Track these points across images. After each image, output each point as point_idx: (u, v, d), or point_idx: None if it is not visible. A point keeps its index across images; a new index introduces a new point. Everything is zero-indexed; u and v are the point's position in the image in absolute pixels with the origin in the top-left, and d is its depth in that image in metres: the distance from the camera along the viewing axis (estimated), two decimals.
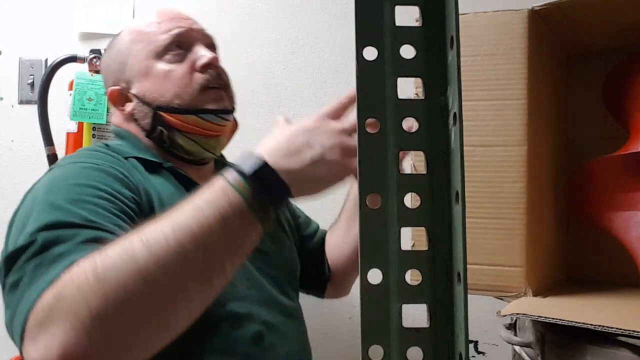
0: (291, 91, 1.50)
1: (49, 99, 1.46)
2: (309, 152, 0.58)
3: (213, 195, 0.56)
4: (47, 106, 1.46)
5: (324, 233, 1.05)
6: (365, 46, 0.32)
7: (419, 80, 0.33)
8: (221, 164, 0.94)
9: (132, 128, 0.86)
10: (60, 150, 1.47)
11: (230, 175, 0.57)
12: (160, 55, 0.84)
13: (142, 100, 0.84)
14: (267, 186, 0.57)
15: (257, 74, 1.46)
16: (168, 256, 0.52)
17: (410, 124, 0.33)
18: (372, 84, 0.32)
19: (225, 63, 1.46)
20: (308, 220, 1.07)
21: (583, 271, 0.82)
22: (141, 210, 0.70)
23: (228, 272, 0.57)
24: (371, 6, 0.32)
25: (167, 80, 0.83)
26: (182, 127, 0.83)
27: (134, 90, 0.85)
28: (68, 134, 1.47)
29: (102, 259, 0.52)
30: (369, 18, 0.32)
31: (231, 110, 0.87)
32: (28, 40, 1.61)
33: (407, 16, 0.36)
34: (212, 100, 0.84)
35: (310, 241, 1.03)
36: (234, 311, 0.75)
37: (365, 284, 0.31)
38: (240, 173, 0.57)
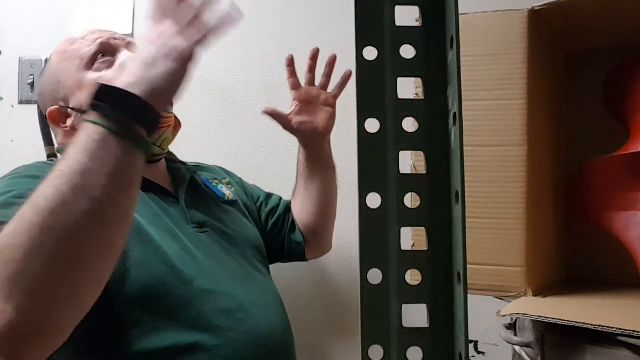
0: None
1: None
2: (143, 61, 0.60)
3: (78, 138, 0.56)
4: None
5: (289, 202, 1.12)
6: (365, 46, 0.32)
7: (419, 80, 0.33)
8: (172, 161, 0.99)
9: None
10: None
11: (88, 114, 0.58)
12: (89, 65, 0.86)
13: (81, 111, 0.86)
14: (115, 102, 0.57)
15: (256, 74, 1.46)
16: (52, 205, 0.53)
17: None
18: (372, 84, 0.32)
19: (225, 63, 1.46)
20: (268, 196, 1.14)
21: (583, 271, 0.82)
22: None
23: (121, 201, 0.57)
24: (371, 6, 0.32)
25: None
26: None
27: (72, 104, 0.87)
28: None
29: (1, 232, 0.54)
30: (369, 18, 0.32)
31: None
32: (28, 40, 1.61)
33: (407, 16, 0.36)
34: None
35: (275, 214, 1.09)
36: (201, 288, 0.78)
37: (365, 284, 0.31)
38: (92, 107, 0.57)
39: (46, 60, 1.61)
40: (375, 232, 0.32)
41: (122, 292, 0.74)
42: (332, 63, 1.06)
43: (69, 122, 0.88)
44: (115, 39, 0.90)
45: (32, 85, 1.59)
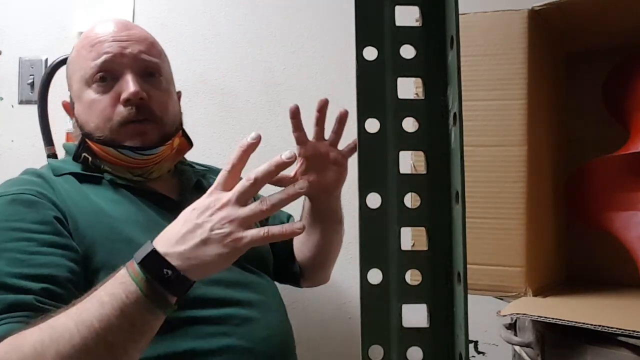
0: (291, 91, 1.50)
1: (49, 99, 1.46)
2: (198, 233, 0.61)
3: (113, 286, 0.60)
4: (47, 106, 1.45)
5: None
6: (365, 46, 0.32)
7: (419, 80, 0.33)
8: (180, 163, 0.96)
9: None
10: (60, 150, 1.47)
11: (129, 264, 0.61)
12: (88, 83, 0.84)
13: (77, 122, 0.87)
14: (158, 273, 0.59)
15: (257, 74, 1.46)
16: (74, 353, 0.57)
17: None
18: (372, 84, 0.32)
19: (225, 63, 1.46)
20: (276, 214, 1.08)
21: (583, 271, 0.82)
22: (66, 222, 0.75)
23: (133, 355, 0.61)
24: (371, 6, 0.32)
25: (91, 110, 0.84)
26: (105, 157, 0.84)
27: (75, 110, 0.87)
28: (68, 134, 1.47)
29: (16, 354, 0.58)
30: (369, 18, 0.32)
31: (154, 146, 0.84)
32: (28, 40, 1.61)
33: (407, 16, 0.36)
34: (130, 136, 0.83)
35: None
36: (196, 294, 0.77)
37: (365, 284, 0.31)
38: (135, 261, 0.61)
39: (46, 60, 1.61)
40: (375, 232, 0.32)
41: None
42: (342, 119, 0.92)
43: (73, 121, 0.88)
44: (123, 55, 0.84)
45: (32, 85, 1.59)
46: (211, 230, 0.60)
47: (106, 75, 0.83)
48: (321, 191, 0.93)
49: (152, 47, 0.88)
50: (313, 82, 1.50)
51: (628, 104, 0.75)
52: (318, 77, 1.50)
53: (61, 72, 1.48)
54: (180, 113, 0.93)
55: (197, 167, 1.01)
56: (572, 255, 0.83)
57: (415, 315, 0.34)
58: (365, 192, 0.32)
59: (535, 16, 0.66)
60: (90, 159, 0.85)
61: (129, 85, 0.82)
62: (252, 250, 0.90)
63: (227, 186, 0.64)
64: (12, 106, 1.62)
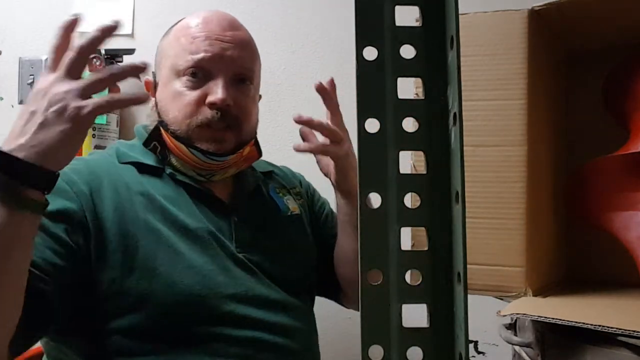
0: (291, 91, 1.50)
1: None
2: (34, 119, 0.57)
3: None
4: None
5: None
6: (365, 46, 0.32)
7: (419, 80, 0.33)
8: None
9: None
10: None
11: None
12: (179, 74, 0.81)
13: (156, 106, 0.85)
14: (5, 169, 0.56)
15: None
16: None
17: None
18: (372, 84, 0.32)
19: None
20: (323, 205, 1.02)
21: (583, 271, 0.82)
22: (86, 216, 0.73)
23: (10, 266, 0.58)
24: (371, 6, 0.32)
25: (175, 102, 0.81)
26: (174, 151, 0.83)
27: (157, 92, 0.85)
28: None
29: None
30: (369, 18, 0.32)
31: (227, 153, 0.82)
32: (28, 40, 1.61)
33: (407, 16, 0.36)
34: (207, 140, 0.81)
35: (329, 241, 0.95)
36: (234, 312, 0.76)
37: (365, 284, 0.31)
38: None
39: (46, 60, 1.61)
40: (375, 232, 0.32)
41: (142, 316, 0.72)
42: (325, 93, 0.92)
43: (152, 102, 0.85)
44: (223, 56, 0.81)
45: (32, 85, 1.59)
46: (46, 110, 0.57)
47: (198, 72, 0.81)
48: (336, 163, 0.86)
49: (252, 53, 0.87)
50: (313, 82, 1.49)
51: (628, 104, 0.75)
52: (318, 77, 1.49)
53: None
54: (258, 121, 0.90)
55: (261, 167, 0.96)
56: (572, 255, 0.83)
57: (415, 315, 0.34)
58: (365, 192, 0.32)
59: (535, 16, 0.66)
60: (160, 149, 0.83)
61: (219, 90, 0.80)
62: (295, 270, 0.87)
63: (54, 68, 0.62)
64: (12, 106, 1.62)
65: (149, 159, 0.83)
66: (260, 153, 0.91)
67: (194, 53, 0.80)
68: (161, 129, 0.83)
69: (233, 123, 0.82)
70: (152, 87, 0.87)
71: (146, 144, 0.84)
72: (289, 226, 0.90)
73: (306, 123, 0.84)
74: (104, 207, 0.74)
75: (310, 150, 0.86)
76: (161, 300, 0.72)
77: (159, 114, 0.84)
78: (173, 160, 0.83)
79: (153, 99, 0.85)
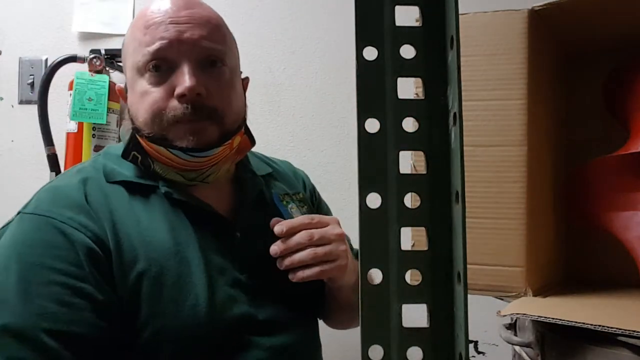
0: (291, 91, 1.50)
1: (49, 99, 1.46)
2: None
3: None
4: (47, 106, 1.46)
5: None
6: (365, 46, 0.32)
7: (419, 80, 0.33)
8: (242, 165, 0.85)
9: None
10: (60, 150, 1.48)
11: None
12: (141, 71, 0.73)
13: (129, 112, 0.77)
14: None
15: (257, 74, 1.46)
16: None
17: None
18: (372, 84, 0.32)
19: None
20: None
21: (583, 271, 0.82)
22: (106, 247, 0.69)
23: None
24: (371, 6, 0.32)
25: (142, 102, 0.73)
26: (155, 156, 0.75)
27: (128, 98, 0.78)
28: (68, 134, 1.47)
29: None
30: (369, 18, 0.32)
31: (211, 147, 0.74)
32: (28, 40, 1.61)
33: (407, 16, 0.36)
34: (184, 135, 0.72)
35: None
36: (237, 339, 0.74)
37: (365, 284, 0.31)
38: None
39: (46, 60, 1.61)
40: (375, 232, 0.32)
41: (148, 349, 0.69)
42: None
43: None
44: (181, 40, 0.71)
45: (32, 85, 1.59)
46: None
47: (160, 64, 0.72)
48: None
49: (216, 30, 0.75)
50: (313, 82, 1.50)
51: (628, 104, 0.75)
52: (318, 77, 1.50)
53: (61, 72, 1.49)
54: (245, 106, 0.81)
55: (261, 170, 0.88)
56: (572, 255, 0.83)
57: (415, 315, 0.34)
58: (365, 192, 0.32)
59: (535, 16, 0.66)
60: (140, 158, 0.76)
61: (185, 78, 0.70)
62: (301, 286, 0.80)
63: None
64: (12, 106, 1.62)
65: (140, 175, 0.76)
66: (253, 141, 0.83)
67: (149, 44, 0.72)
68: (137, 136, 0.75)
69: (209, 114, 0.73)
70: (124, 94, 0.80)
71: (124, 155, 0.76)
72: None
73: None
74: (113, 235, 0.70)
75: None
76: (170, 333, 0.69)
77: (132, 120, 0.76)
78: (157, 168, 0.76)
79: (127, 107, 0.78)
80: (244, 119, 0.81)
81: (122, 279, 0.68)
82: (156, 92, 0.72)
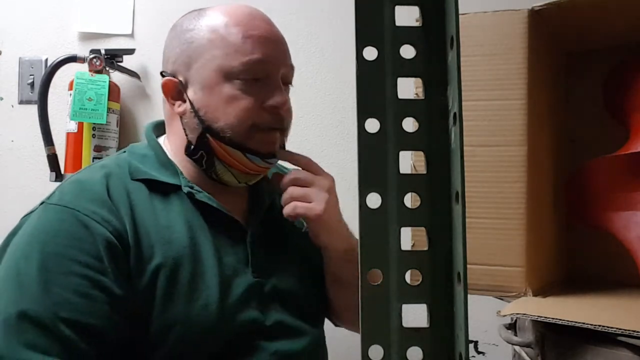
0: (291, 91, 1.49)
1: (49, 99, 1.46)
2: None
3: None
4: (47, 106, 1.46)
5: None
6: (365, 46, 0.32)
7: (419, 80, 0.33)
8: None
9: (175, 128, 0.81)
10: (61, 150, 1.48)
11: None
12: (231, 77, 0.75)
13: (196, 112, 0.77)
14: None
15: None
16: None
17: None
18: (372, 84, 0.32)
19: None
20: None
21: (583, 271, 0.82)
22: (125, 242, 0.70)
23: None
24: (371, 6, 0.32)
25: (229, 107, 0.75)
26: (225, 159, 0.78)
27: (190, 94, 0.77)
28: (68, 134, 1.47)
29: None
30: (369, 18, 0.32)
31: (275, 155, 0.81)
32: (28, 40, 1.61)
33: (407, 16, 0.36)
34: (264, 143, 0.78)
35: None
36: (247, 343, 0.74)
37: (365, 284, 0.31)
38: None
39: (46, 60, 1.61)
40: (375, 232, 0.32)
41: (158, 349, 0.69)
42: None
43: (179, 107, 0.78)
44: (275, 59, 0.78)
45: (32, 85, 1.59)
46: None
47: (256, 76, 0.76)
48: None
49: (288, 51, 0.83)
50: (313, 82, 1.50)
51: (628, 104, 0.75)
52: (318, 77, 1.50)
53: (61, 72, 1.49)
54: None
55: (271, 172, 0.89)
56: (572, 255, 0.83)
57: (415, 315, 0.34)
58: (365, 192, 0.32)
59: (535, 16, 0.66)
60: (206, 158, 0.78)
61: (278, 93, 0.77)
62: (312, 291, 0.83)
63: None
64: (12, 106, 1.62)
65: (163, 174, 0.78)
66: None
67: (250, 54, 0.75)
68: (208, 136, 0.77)
69: (283, 127, 0.81)
70: (177, 89, 0.79)
71: (191, 153, 0.78)
72: (306, 243, 0.84)
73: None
74: (133, 229, 0.71)
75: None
76: (179, 330, 0.70)
77: (201, 120, 0.76)
78: (217, 168, 0.79)
79: (180, 102, 0.78)
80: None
81: (138, 274, 0.69)
82: (247, 101, 0.75)
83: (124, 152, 0.83)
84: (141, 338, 0.69)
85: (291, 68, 0.82)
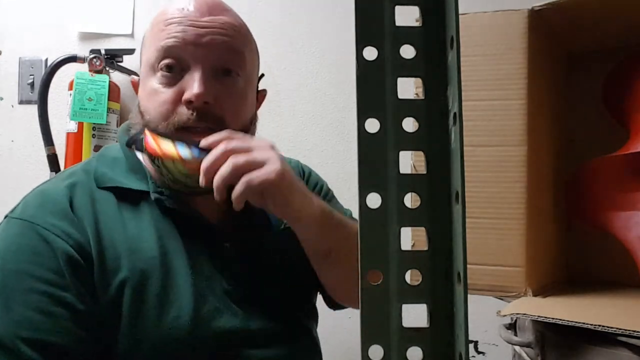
0: (291, 91, 1.50)
1: (49, 99, 1.46)
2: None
3: None
4: (47, 106, 1.46)
5: None
6: (365, 46, 0.32)
7: (419, 80, 0.33)
8: None
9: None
10: (61, 150, 1.48)
11: None
12: (154, 68, 0.72)
13: (139, 106, 0.75)
14: None
15: None
16: None
17: None
18: (372, 84, 0.32)
19: None
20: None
21: (583, 271, 0.82)
22: (88, 255, 0.67)
23: None
24: (371, 6, 0.32)
25: (151, 100, 0.72)
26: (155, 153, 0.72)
27: (139, 91, 0.77)
28: (68, 134, 1.47)
29: None
30: (369, 18, 0.32)
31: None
32: (28, 40, 1.61)
33: (407, 16, 0.36)
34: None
35: None
36: (227, 352, 0.71)
37: (365, 284, 0.31)
38: None
39: (46, 60, 1.61)
40: (375, 232, 0.32)
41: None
42: None
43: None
44: (197, 44, 0.70)
45: (32, 85, 1.59)
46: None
47: (173, 65, 0.70)
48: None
49: (237, 38, 0.73)
50: (313, 82, 1.50)
51: (628, 104, 0.75)
52: (318, 77, 1.50)
53: (61, 72, 1.49)
54: (255, 118, 0.79)
55: None
56: (572, 255, 0.83)
57: (415, 315, 0.34)
58: (365, 192, 0.32)
59: (535, 16, 0.66)
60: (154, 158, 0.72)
61: (195, 84, 0.69)
62: (295, 293, 0.78)
63: None
64: (12, 106, 1.62)
65: (132, 180, 0.73)
66: None
67: (163, 40, 0.70)
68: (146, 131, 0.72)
69: (214, 123, 0.70)
70: (135, 86, 0.79)
71: (135, 146, 0.74)
72: (285, 243, 0.77)
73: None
74: (96, 240, 0.68)
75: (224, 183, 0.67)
76: (151, 344, 0.67)
77: (142, 113, 0.74)
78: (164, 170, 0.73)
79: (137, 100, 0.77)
80: (253, 132, 0.79)
81: (103, 288, 0.66)
82: (165, 94, 0.71)
83: (94, 157, 0.79)
84: (111, 353, 0.67)
85: (230, 57, 0.72)
